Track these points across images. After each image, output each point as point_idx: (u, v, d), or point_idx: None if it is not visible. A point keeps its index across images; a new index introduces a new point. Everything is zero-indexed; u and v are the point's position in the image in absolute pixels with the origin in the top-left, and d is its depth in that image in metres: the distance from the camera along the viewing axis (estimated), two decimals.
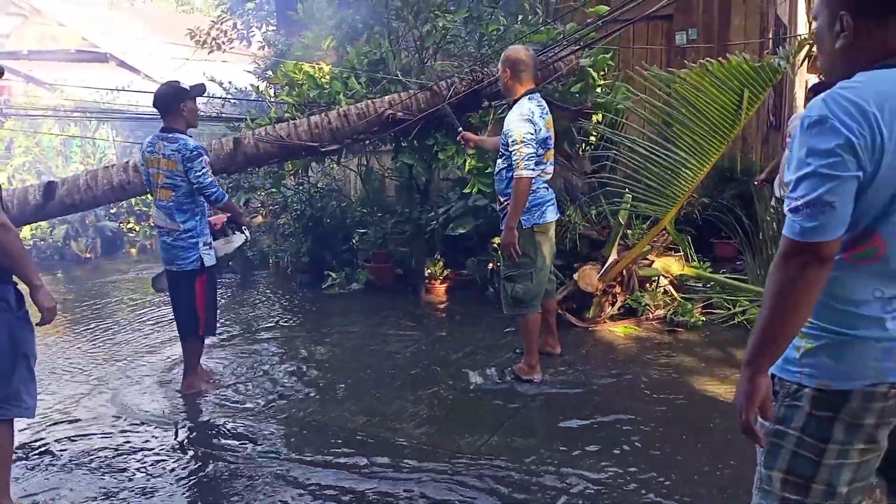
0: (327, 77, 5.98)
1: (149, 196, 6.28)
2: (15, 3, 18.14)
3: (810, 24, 11.02)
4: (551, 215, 4.15)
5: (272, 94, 6.63)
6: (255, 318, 6.03)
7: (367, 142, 5.76)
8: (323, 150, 5.35)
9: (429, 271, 6.54)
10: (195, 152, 4.01)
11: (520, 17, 5.98)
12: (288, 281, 7.33)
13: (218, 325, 4.74)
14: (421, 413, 3.86)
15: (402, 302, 6.26)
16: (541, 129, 3.98)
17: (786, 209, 1.51)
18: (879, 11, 1.54)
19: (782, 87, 8.05)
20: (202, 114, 8.54)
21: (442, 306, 6.19)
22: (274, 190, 7.07)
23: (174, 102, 4.10)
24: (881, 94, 1.46)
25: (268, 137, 5.22)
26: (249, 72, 8.70)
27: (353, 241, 7.09)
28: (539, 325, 4.25)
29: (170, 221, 4.10)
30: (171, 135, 4.07)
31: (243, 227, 4.60)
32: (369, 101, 5.36)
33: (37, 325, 2.87)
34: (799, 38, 5.80)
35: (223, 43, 12.12)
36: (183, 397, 4.23)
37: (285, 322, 5.90)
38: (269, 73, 7.28)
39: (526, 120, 3.93)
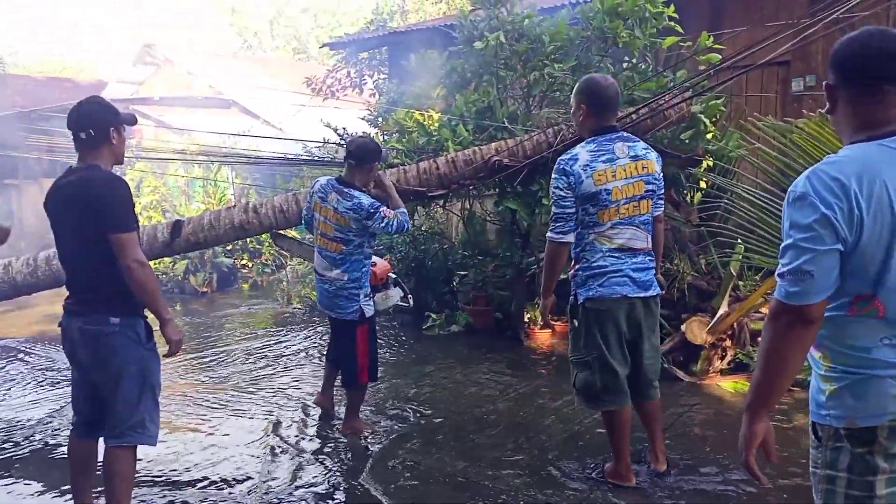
0: (436, 124, 6.16)
1: (264, 235, 6.62)
2: (150, 53, 19.75)
3: None
4: (616, 290, 3.28)
5: (383, 141, 6.87)
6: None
7: (473, 187, 5.86)
8: (430, 194, 5.48)
9: (528, 316, 6.51)
10: (371, 210, 3.92)
11: (626, 65, 5.97)
12: (390, 321, 7.47)
13: (287, 363, 4.82)
14: (521, 462, 3.82)
15: (501, 346, 6.25)
16: (583, 182, 3.20)
17: (776, 274, 1.69)
18: (853, 85, 1.72)
19: None
20: (316, 158, 8.96)
21: (541, 353, 6.13)
22: None
23: (366, 158, 4.03)
24: (861, 170, 1.60)
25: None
26: (362, 118, 9.06)
27: (454, 283, 7.18)
28: (626, 424, 3.39)
29: (335, 272, 4.05)
30: (347, 190, 3.99)
31: (406, 293, 4.55)
32: (476, 148, 5.47)
33: (163, 356, 3.05)
34: None
35: (337, 90, 12.71)
36: (345, 436, 4.25)
37: (386, 361, 6.01)
38: (381, 119, 7.56)
39: (556, 172, 3.28)
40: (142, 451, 3.12)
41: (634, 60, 6.02)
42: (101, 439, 3.05)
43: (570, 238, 3.30)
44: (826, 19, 4.46)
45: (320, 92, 12.67)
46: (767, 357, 1.72)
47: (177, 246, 5.43)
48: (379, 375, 5.51)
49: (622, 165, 3.25)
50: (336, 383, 4.58)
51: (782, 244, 1.68)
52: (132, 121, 3.17)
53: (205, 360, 6.19)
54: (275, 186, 10.06)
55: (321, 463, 3.91)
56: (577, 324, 3.40)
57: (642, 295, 3.33)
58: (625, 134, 3.42)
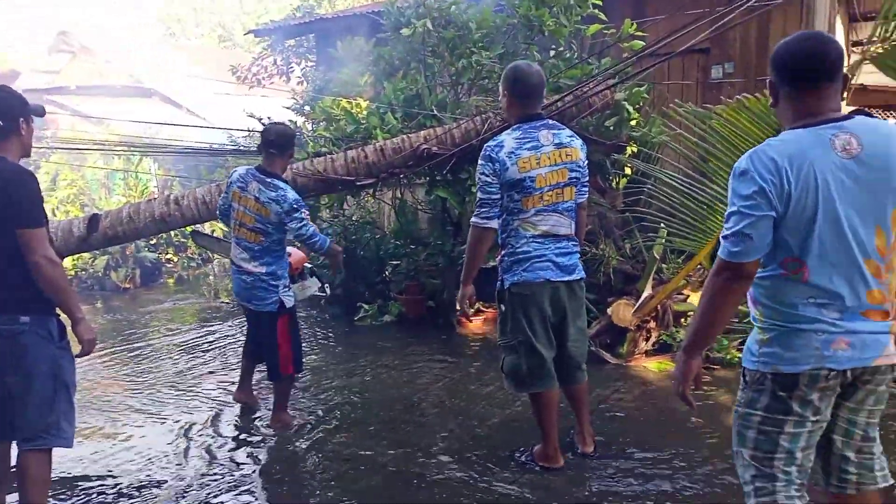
0: (364, 112, 6.09)
1: (188, 228, 6.41)
2: (65, 41, 18.88)
3: (849, 56, 10.91)
4: (539, 274, 3.30)
5: (310, 129, 6.75)
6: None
7: (403, 176, 5.82)
8: (359, 184, 5.41)
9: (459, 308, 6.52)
10: (294, 206, 3.86)
11: (553, 52, 6.02)
12: (321, 312, 7.37)
13: (222, 358, 4.73)
14: (453, 448, 3.83)
15: (435, 335, 6.25)
16: (507, 168, 3.21)
17: (721, 235, 1.98)
18: (789, 82, 2.00)
19: None
20: (241, 147, 8.74)
21: (473, 340, 6.16)
22: None
23: (287, 145, 4.01)
24: (793, 152, 1.90)
25: (305, 171, 5.30)
26: (288, 107, 8.88)
27: (386, 273, 7.13)
28: (552, 407, 3.42)
29: (254, 263, 3.98)
30: (270, 180, 3.92)
31: (322, 283, 4.44)
32: (405, 136, 5.43)
33: (76, 356, 2.92)
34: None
35: (263, 79, 12.43)
36: (275, 431, 4.16)
37: (317, 354, 5.93)
38: (308, 108, 7.42)
39: (482, 158, 3.28)
40: (56, 454, 2.98)
41: (560, 48, 6.08)
42: (13, 443, 2.91)
43: (494, 224, 3.31)
44: (741, 7, 4.59)
45: (246, 80, 12.36)
46: (707, 306, 2.02)
47: (94, 241, 5.21)
48: (310, 367, 5.46)
49: (546, 153, 3.26)
50: (259, 377, 4.48)
51: (727, 211, 1.97)
52: (41, 112, 3.03)
53: (126, 358, 5.97)
54: (199, 177, 9.76)
55: (246, 459, 3.82)
56: (503, 309, 3.42)
57: (566, 279, 3.36)
58: (550, 122, 3.44)
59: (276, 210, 3.87)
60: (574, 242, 3.43)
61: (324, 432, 4.13)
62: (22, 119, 2.82)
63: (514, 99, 3.34)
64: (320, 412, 4.47)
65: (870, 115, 5.71)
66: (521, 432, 3.95)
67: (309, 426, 4.22)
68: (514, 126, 3.34)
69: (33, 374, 2.78)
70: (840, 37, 9.04)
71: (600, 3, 5.83)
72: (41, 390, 2.80)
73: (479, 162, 3.29)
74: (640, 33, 5.67)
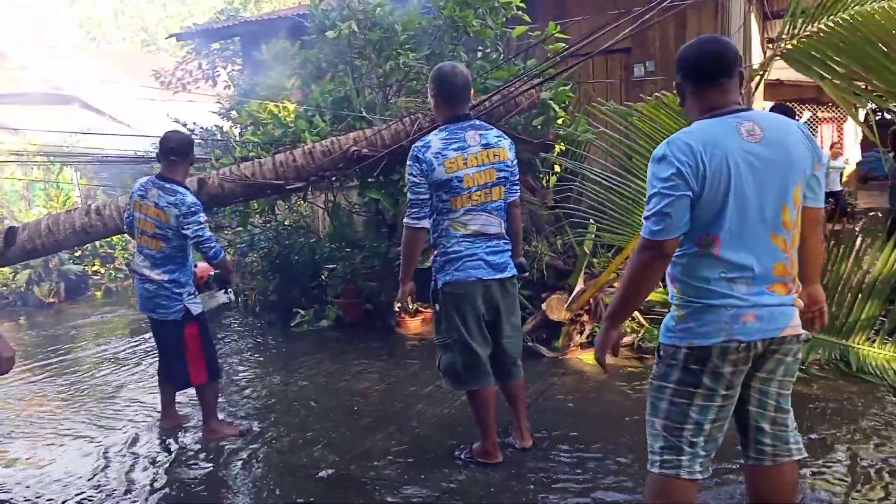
0: (292, 116, 6.02)
1: (115, 238, 6.23)
2: None
3: (764, 53, 11.39)
4: (471, 273, 3.34)
5: (237, 134, 6.63)
6: (221, 358, 5.95)
7: (334, 178, 5.78)
8: (288, 187, 5.35)
9: (398, 305, 6.52)
10: (192, 209, 3.85)
11: (480, 54, 6.09)
12: (256, 320, 7.25)
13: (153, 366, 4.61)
14: (392, 450, 3.83)
15: (373, 337, 6.23)
16: (434, 169, 3.24)
17: (643, 217, 2.10)
18: (694, 81, 2.20)
19: None
20: None
21: (412, 340, 6.17)
22: (240, 228, 7.04)
23: (189, 151, 4.01)
24: (705, 138, 2.06)
25: (232, 177, 5.21)
26: (214, 112, 8.69)
27: (322, 277, 7.07)
28: (489, 403, 3.45)
29: (155, 272, 3.94)
30: (169, 185, 3.90)
31: (228, 287, 4.41)
32: (334, 139, 5.39)
33: None
34: (752, 67, 5.98)
35: (188, 83, 12.13)
36: (209, 442, 4.06)
37: (253, 362, 5.83)
38: (234, 112, 7.28)
39: (410, 159, 3.32)
40: None
41: (487, 49, 6.15)
42: None
43: (426, 224, 3.35)
44: (658, 7, 4.74)
45: (170, 85, 12.04)
46: (629, 281, 2.17)
47: (11, 255, 5.00)
48: (247, 376, 5.37)
49: (473, 153, 3.31)
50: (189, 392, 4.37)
51: (648, 194, 2.10)
52: None
53: (48, 377, 5.73)
54: (124, 186, 9.44)
55: (183, 472, 3.73)
56: (438, 308, 3.45)
57: (497, 277, 3.40)
58: (477, 122, 3.47)
59: (174, 214, 3.85)
60: (505, 241, 3.47)
61: (261, 441, 4.07)
62: None
63: (440, 100, 3.38)
64: (257, 421, 4.39)
65: (790, 109, 5.99)
66: (460, 431, 3.99)
67: (246, 436, 4.15)
68: (441, 127, 3.37)
69: None
70: (755, 34, 9.43)
71: (524, 6, 5.92)
72: None
73: (408, 163, 3.33)
74: (562, 35, 5.78)
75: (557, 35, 5.73)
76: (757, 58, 8.89)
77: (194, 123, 7.49)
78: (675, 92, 2.29)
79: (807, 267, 2.31)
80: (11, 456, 4.07)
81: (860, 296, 4.67)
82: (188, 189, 3.99)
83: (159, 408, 4.45)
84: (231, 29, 10.20)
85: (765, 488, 2.27)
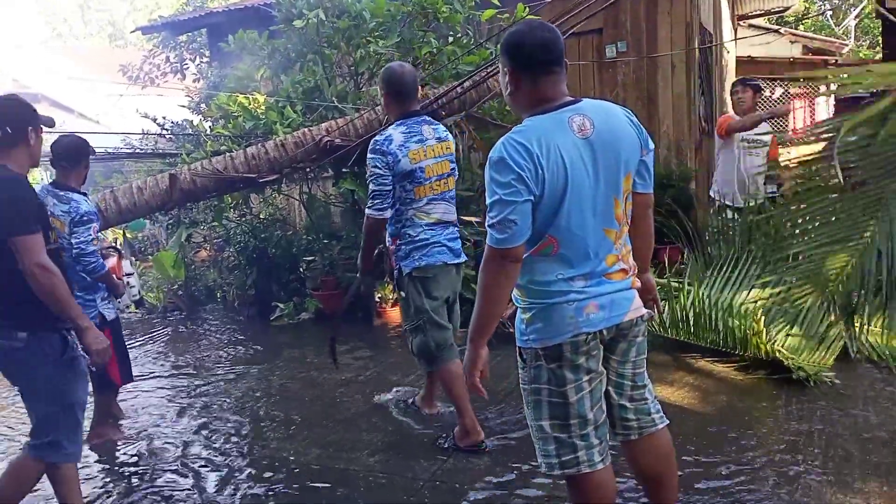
0: (262, 107, 5.94)
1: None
2: None
3: (735, 30, 11.43)
4: (437, 258, 3.55)
5: (207, 128, 6.54)
6: (201, 354, 5.90)
7: (308, 170, 5.72)
8: (261, 180, 5.29)
9: (379, 295, 6.51)
10: (85, 218, 3.73)
11: (451, 39, 6.04)
12: (236, 315, 7.20)
13: (135, 365, 4.56)
14: (375, 441, 3.82)
15: (354, 328, 6.20)
16: (400, 160, 3.41)
17: (486, 225, 2.04)
18: (528, 69, 2.11)
19: (712, 93, 8.32)
20: (137, 150, 8.40)
21: (394, 330, 6.16)
22: (216, 223, 6.96)
23: (81, 156, 3.89)
24: (540, 138, 2.01)
25: (204, 172, 5.14)
26: (184, 106, 8.57)
27: (301, 269, 7.02)
28: (460, 378, 3.49)
29: None
30: (63, 193, 3.77)
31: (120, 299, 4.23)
32: (306, 130, 5.33)
33: (88, 367, 2.85)
34: (724, 44, 6.00)
35: (156, 77, 11.95)
36: (92, 447, 3.98)
37: (233, 357, 5.79)
38: (204, 106, 7.19)
39: (373, 152, 3.46)
40: None
41: (457, 34, 6.10)
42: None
43: (388, 214, 3.54)
44: None
45: (138, 80, 11.84)
46: (486, 293, 2.10)
47: None
48: (227, 372, 5.33)
49: (431, 146, 3.54)
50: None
51: (489, 200, 2.03)
52: (51, 123, 2.99)
53: None
54: (95, 184, 9.31)
55: (166, 477, 3.70)
56: (405, 294, 3.64)
57: (457, 261, 3.69)
58: (427, 118, 3.70)
59: (69, 221, 3.75)
60: (457, 227, 3.74)
61: (244, 436, 4.05)
62: (31, 129, 2.77)
63: (391, 98, 3.58)
64: (239, 416, 4.37)
65: (757, 84, 5.90)
66: (443, 419, 3.99)
67: (228, 431, 4.12)
68: (398, 122, 3.55)
69: (33, 392, 2.78)
70: (725, 12, 9.45)
71: None
72: (42, 409, 2.78)
73: (370, 156, 3.47)
74: (533, 16, 5.74)
75: (528, 17, 5.70)
76: (728, 35, 8.92)
77: (164, 118, 7.40)
78: (507, 80, 2.17)
79: (639, 253, 2.34)
80: None
81: None
82: (85, 195, 3.90)
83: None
84: (198, 20, 10.01)
85: (641, 460, 2.34)
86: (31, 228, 2.63)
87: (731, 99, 5.98)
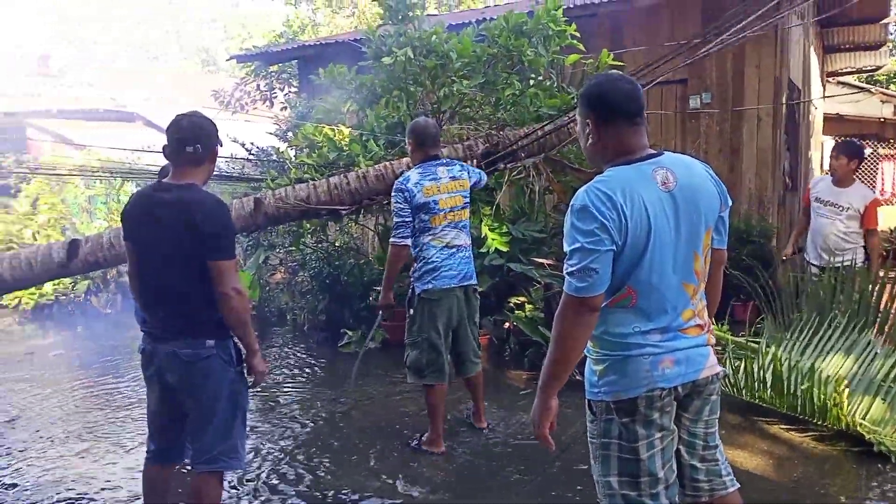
0: (347, 139, 6.12)
1: None
2: (46, 64, 18.85)
3: (824, 87, 11.16)
4: (445, 282, 4.05)
5: (292, 156, 6.77)
6: (269, 375, 6.03)
7: (385, 202, 5.84)
8: (344, 212, 5.42)
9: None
10: None
11: (533, 82, 6.11)
12: (305, 338, 7.35)
13: None
14: (436, 478, 3.82)
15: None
16: (415, 195, 3.99)
17: (564, 272, 2.02)
18: (611, 120, 2.11)
19: (798, 149, 8.12)
20: (224, 173, 8.74)
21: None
22: (293, 248, 7.16)
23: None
24: (624, 188, 2.00)
25: (288, 199, 5.31)
26: (271, 133, 8.90)
27: (371, 298, 7.12)
28: (441, 399, 4.15)
29: None
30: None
31: None
32: (387, 163, 5.46)
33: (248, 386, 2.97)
34: (811, 101, 5.87)
35: (246, 104, 12.45)
36: None
37: (300, 380, 5.90)
38: (290, 134, 7.45)
39: (395, 191, 4.06)
40: None
41: (540, 77, 6.17)
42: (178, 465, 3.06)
43: (409, 241, 4.05)
44: (717, 40, 4.70)
45: (229, 105, 12.38)
46: (560, 342, 2.04)
47: (74, 267, 5.16)
48: (294, 396, 5.42)
49: (444, 183, 4.11)
50: None
51: (569, 248, 2.02)
52: (221, 142, 3.04)
53: (114, 388, 5.90)
54: None
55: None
56: (412, 312, 4.11)
57: (465, 284, 4.16)
58: (444, 160, 4.26)
59: None
60: (469, 252, 4.23)
61: (304, 460, 4.11)
62: (217, 146, 2.89)
63: (416, 146, 4.17)
64: (301, 439, 4.44)
65: (859, 146, 5.62)
66: (497, 452, 3.96)
67: (290, 455, 4.19)
68: (417, 166, 4.13)
69: (217, 397, 2.81)
70: (815, 68, 9.26)
71: (578, 35, 5.93)
72: (222, 414, 2.82)
73: (392, 194, 4.06)
74: (617, 62, 5.77)
75: (611, 63, 5.73)
76: (816, 91, 8.73)
77: (251, 143, 7.69)
78: (587, 130, 2.16)
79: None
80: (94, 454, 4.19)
81: None
82: None
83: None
84: (290, 52, 10.44)
85: None
86: (233, 254, 2.77)
87: (831, 162, 5.68)
